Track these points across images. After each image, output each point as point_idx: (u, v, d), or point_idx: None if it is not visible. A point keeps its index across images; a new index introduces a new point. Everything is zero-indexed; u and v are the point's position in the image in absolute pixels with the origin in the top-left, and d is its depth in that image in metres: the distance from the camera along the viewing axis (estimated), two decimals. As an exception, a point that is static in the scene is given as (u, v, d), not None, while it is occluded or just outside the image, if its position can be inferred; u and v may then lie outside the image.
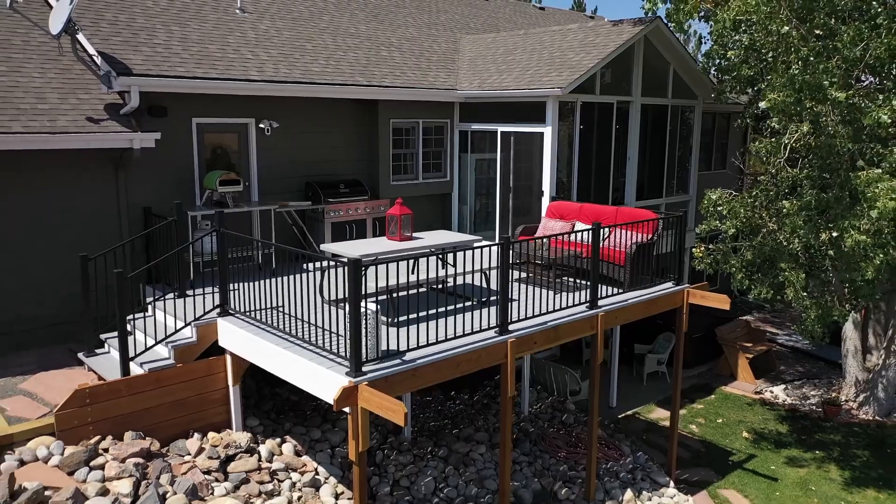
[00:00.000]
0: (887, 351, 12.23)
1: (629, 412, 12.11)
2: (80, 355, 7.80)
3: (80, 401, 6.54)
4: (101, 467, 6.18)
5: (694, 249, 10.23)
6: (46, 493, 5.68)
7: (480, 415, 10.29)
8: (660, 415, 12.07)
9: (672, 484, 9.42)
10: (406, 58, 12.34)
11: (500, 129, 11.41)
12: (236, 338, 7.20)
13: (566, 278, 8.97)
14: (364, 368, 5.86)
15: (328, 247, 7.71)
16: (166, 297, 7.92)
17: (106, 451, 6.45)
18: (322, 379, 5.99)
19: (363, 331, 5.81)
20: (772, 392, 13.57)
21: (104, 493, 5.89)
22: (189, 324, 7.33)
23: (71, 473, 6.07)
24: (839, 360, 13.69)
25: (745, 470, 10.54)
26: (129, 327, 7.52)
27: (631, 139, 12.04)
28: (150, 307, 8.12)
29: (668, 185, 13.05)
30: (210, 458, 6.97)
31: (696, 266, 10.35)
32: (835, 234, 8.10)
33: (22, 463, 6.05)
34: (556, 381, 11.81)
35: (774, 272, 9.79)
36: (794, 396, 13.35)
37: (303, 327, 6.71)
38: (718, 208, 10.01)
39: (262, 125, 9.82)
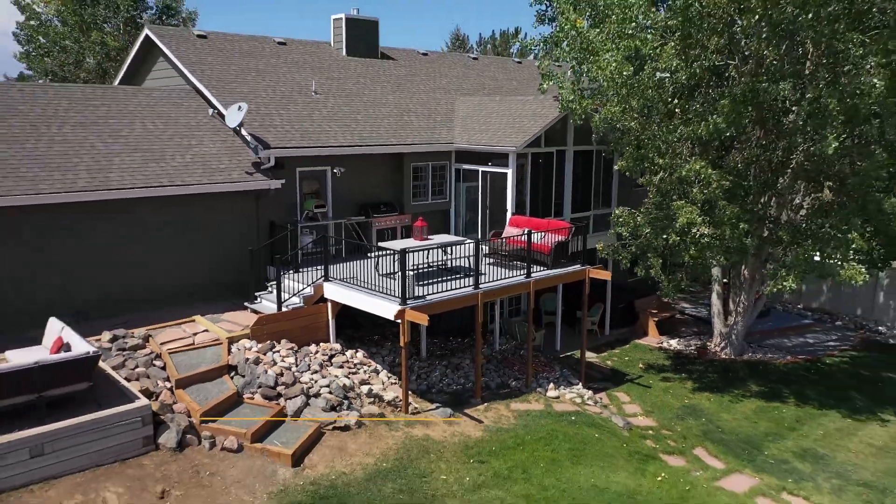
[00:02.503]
0: (737, 312, 18.58)
1: (568, 353, 18.39)
2: (246, 304, 14.19)
3: (261, 322, 12.92)
4: (277, 351, 12.58)
5: (597, 245, 16.60)
6: (258, 358, 12.06)
7: (468, 349, 16.63)
8: (588, 356, 18.38)
9: (581, 385, 15.76)
10: (420, 120, 18.71)
11: (481, 169, 17.78)
12: (335, 292, 13.58)
13: (516, 262, 15.31)
14: (407, 302, 12.22)
15: (383, 244, 14.11)
16: (288, 272, 14.29)
17: (275, 346, 12.85)
18: (387, 307, 12.36)
19: (407, 283, 12.18)
20: (669, 343, 19.95)
21: (282, 361, 12.28)
22: (309, 285, 13.73)
23: (263, 354, 12.43)
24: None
25: (633, 383, 16.89)
26: (270, 287, 13.93)
27: (567, 174, 18.40)
28: (280, 278, 14.47)
29: (595, 203, 19.39)
30: (322, 355, 13.33)
31: (600, 254, 16.71)
32: (664, 237, 14.47)
33: (236, 350, 12.42)
34: (519, 333, 18.13)
35: (646, 259, 16.14)
36: (682, 345, 19.73)
37: (371, 285, 13.07)
38: (620, 219, 16.34)
39: (334, 171, 16.16)
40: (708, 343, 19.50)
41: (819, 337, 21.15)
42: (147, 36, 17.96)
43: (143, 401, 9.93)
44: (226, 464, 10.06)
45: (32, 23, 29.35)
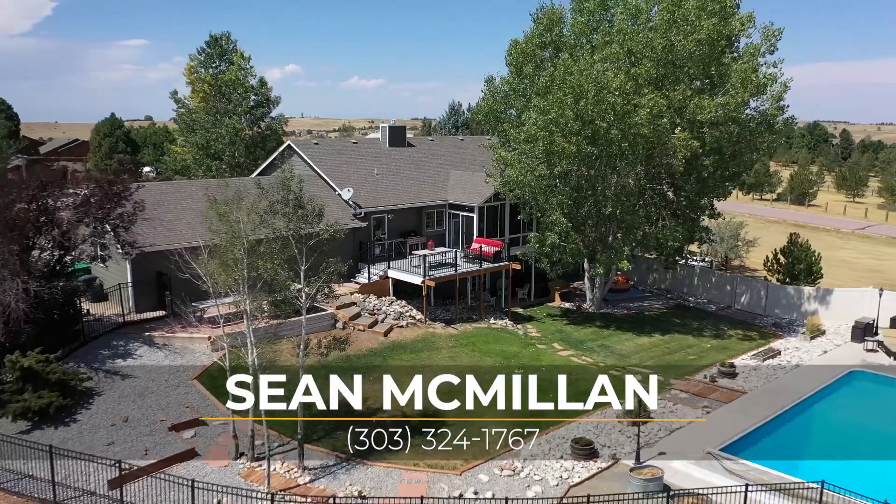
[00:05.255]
0: (595, 287, 35.46)
1: (507, 309, 35.31)
2: (351, 279, 31.18)
3: (363, 287, 29.99)
4: (370, 298, 29.65)
5: (518, 253, 33.60)
6: (365, 300, 29.12)
7: (454, 302, 33.56)
8: (517, 310, 35.23)
9: (507, 320, 32.65)
10: (429, 186, 35.68)
11: (461, 213, 34.77)
12: (393, 273, 30.62)
13: (476, 260, 32.21)
14: (426, 276, 29.21)
15: (414, 252, 31.15)
16: (370, 265, 31.24)
17: (370, 296, 29.90)
18: (417, 279, 29.38)
19: (427, 268, 29.21)
20: (564, 304, 36.88)
21: (374, 301, 29.35)
22: (382, 270, 30.78)
23: (366, 299, 29.47)
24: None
25: (535, 321, 33.79)
26: (362, 272, 31.04)
27: (507, 214, 35.37)
28: (365, 268, 31.39)
29: (524, 229, 36.35)
30: (389, 300, 30.34)
31: (519, 257, 33.67)
32: (543, 248, 31.37)
33: (354, 297, 29.46)
34: (480, 296, 35.13)
35: (541, 259, 33.07)
36: (571, 305, 36.65)
37: (409, 269, 30.03)
38: (533, 239, 33.20)
39: (388, 216, 33.13)
40: (583, 304, 36.46)
41: (651, 303, 38.13)
42: (288, 144, 35.09)
43: (331, 311, 27.03)
44: (359, 335, 27.05)
45: (182, 110, 46.53)
